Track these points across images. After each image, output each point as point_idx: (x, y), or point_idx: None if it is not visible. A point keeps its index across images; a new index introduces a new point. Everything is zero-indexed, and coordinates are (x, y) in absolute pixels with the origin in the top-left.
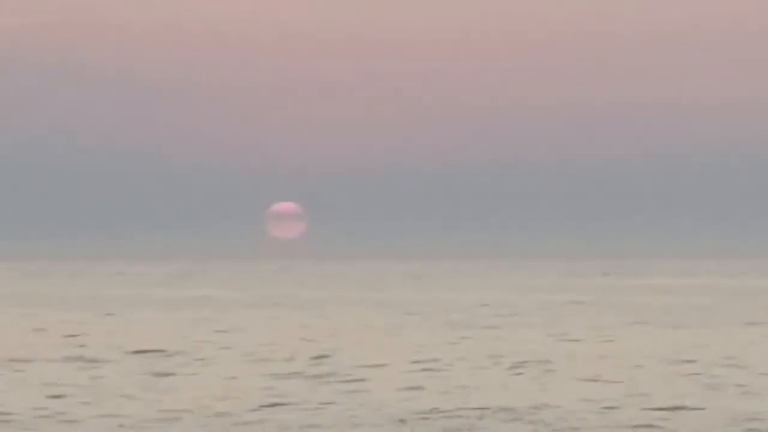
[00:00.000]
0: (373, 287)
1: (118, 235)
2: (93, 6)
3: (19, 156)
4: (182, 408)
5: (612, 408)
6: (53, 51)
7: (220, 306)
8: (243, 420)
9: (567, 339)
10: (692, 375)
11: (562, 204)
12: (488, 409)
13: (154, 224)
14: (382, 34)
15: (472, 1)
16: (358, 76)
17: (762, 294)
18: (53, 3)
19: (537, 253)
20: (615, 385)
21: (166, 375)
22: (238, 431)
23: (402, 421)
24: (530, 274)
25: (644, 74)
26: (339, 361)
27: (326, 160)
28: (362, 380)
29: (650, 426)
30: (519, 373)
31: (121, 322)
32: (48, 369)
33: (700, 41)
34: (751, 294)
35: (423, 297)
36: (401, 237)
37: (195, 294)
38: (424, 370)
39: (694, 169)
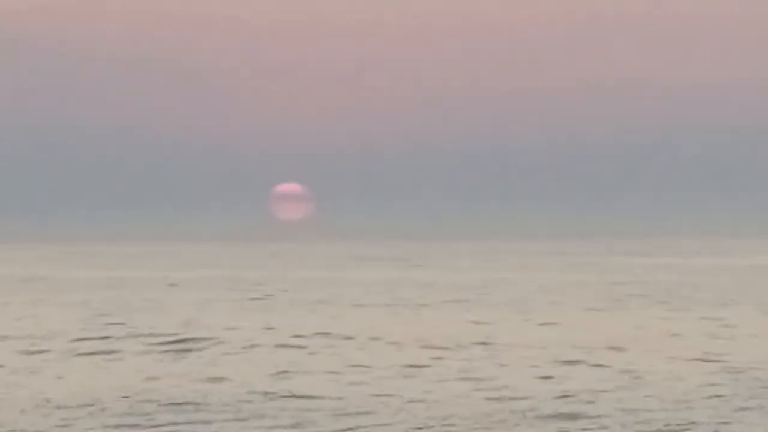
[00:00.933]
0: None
1: (121, 217)
2: None
3: (36, 140)
4: (221, 387)
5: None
6: (51, 31)
7: (233, 286)
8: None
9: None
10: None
11: (571, 183)
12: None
13: (158, 206)
14: (387, 19)
15: None
16: (363, 59)
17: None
18: None
19: (540, 233)
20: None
21: (187, 355)
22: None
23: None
24: (535, 253)
25: (656, 53)
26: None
27: (330, 141)
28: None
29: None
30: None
31: (134, 304)
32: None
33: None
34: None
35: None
36: (405, 216)
37: (205, 275)
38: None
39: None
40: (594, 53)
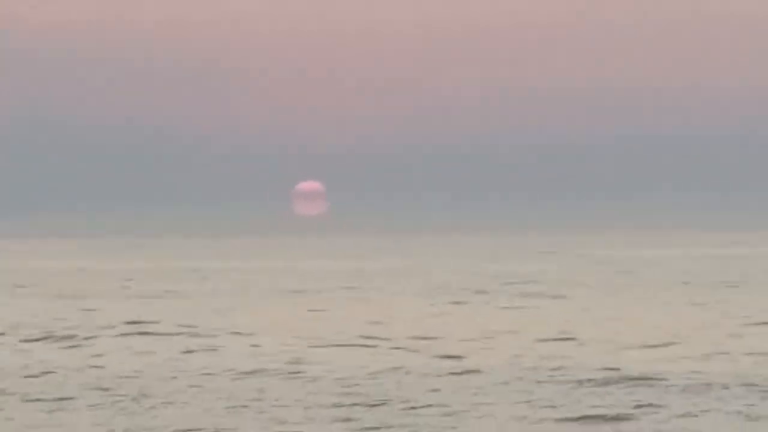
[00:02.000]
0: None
1: (143, 211)
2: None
3: (66, 135)
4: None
5: None
6: (62, 39)
7: (262, 280)
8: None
9: None
10: None
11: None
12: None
13: (181, 202)
14: (395, 22)
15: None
16: (379, 61)
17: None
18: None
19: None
20: None
21: (200, 348)
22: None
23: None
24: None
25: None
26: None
27: (349, 141)
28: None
29: None
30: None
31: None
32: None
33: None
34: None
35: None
36: (421, 211)
37: (229, 266)
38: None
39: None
40: (593, 55)
